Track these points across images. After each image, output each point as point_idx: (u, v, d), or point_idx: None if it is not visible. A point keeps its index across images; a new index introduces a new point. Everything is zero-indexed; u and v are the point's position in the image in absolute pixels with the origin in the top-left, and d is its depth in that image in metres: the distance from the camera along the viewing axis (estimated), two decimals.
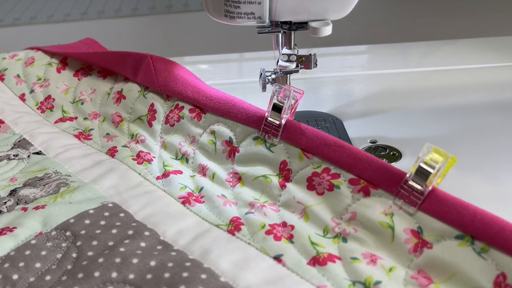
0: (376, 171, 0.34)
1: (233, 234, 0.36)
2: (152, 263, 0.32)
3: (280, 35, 0.46)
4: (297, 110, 0.56)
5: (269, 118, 0.39)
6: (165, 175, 0.43)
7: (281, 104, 0.38)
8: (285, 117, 0.39)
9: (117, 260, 0.32)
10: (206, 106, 0.44)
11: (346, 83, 0.66)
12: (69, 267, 0.33)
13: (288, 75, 0.48)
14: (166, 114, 0.47)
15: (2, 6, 1.62)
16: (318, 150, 0.37)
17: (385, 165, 0.34)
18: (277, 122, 0.39)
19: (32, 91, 0.58)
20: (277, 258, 0.33)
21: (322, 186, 0.36)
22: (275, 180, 0.39)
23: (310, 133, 0.38)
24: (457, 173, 0.47)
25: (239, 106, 0.42)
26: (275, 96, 0.39)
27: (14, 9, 1.59)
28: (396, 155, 0.49)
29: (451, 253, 0.30)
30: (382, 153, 0.49)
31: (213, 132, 0.43)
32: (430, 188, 0.32)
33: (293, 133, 0.38)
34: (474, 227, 0.30)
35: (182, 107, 0.46)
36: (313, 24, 0.42)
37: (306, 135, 0.38)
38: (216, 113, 0.43)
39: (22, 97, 0.58)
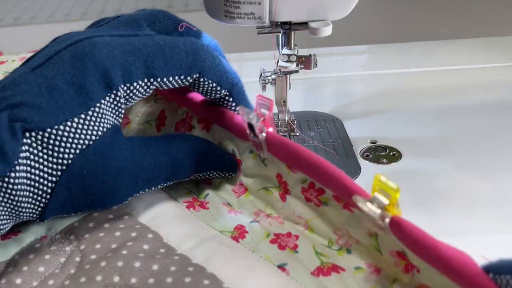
0: (345, 192, 0.31)
1: (237, 241, 0.35)
2: (155, 267, 0.32)
3: (280, 35, 0.46)
4: (297, 110, 0.56)
5: (250, 136, 0.37)
6: None
7: (253, 123, 0.35)
8: (263, 133, 0.36)
9: (119, 263, 0.32)
10: (210, 119, 0.42)
11: (346, 83, 0.66)
12: (72, 271, 0.32)
13: (288, 75, 0.48)
14: (177, 121, 0.46)
15: (2, 6, 1.62)
16: (297, 164, 0.35)
17: (349, 186, 0.31)
18: (258, 140, 0.36)
19: None
20: (281, 267, 0.33)
21: (313, 202, 0.36)
22: (275, 192, 0.38)
23: (288, 147, 0.35)
24: (457, 173, 0.47)
25: (233, 119, 0.39)
26: (244, 118, 0.36)
27: (14, 9, 1.59)
28: (396, 155, 0.49)
29: (438, 279, 0.28)
30: (382, 153, 0.49)
31: (220, 144, 0.42)
32: (389, 218, 0.29)
33: (275, 147, 0.36)
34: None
35: (191, 117, 0.44)
36: (313, 24, 0.42)
37: (286, 149, 0.35)
38: (218, 124, 0.42)
39: None
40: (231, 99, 0.39)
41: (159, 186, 0.37)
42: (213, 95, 0.38)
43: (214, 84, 0.37)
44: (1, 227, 0.31)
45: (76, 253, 0.34)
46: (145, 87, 0.34)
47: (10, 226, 0.33)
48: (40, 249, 0.34)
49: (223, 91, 0.38)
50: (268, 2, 0.41)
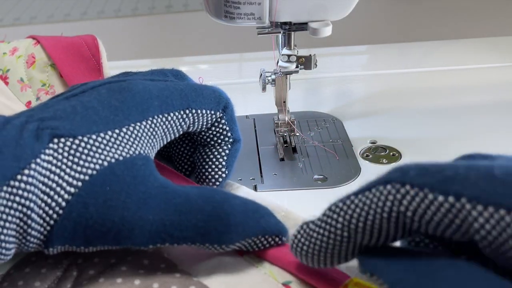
0: None
1: (241, 255, 0.34)
2: (155, 285, 0.30)
3: (280, 35, 0.46)
4: (297, 110, 0.56)
5: None
6: None
7: None
8: None
9: (119, 280, 0.31)
10: None
11: (346, 83, 0.66)
12: (69, 286, 0.31)
13: (288, 75, 0.48)
14: None
15: (2, 6, 1.62)
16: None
17: None
18: None
19: (38, 98, 0.57)
20: (286, 285, 0.31)
21: None
22: None
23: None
24: None
25: None
26: None
27: (14, 9, 1.59)
28: (396, 155, 0.49)
29: None
30: (382, 153, 0.49)
31: None
32: None
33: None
34: None
35: None
36: (313, 25, 0.42)
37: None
38: None
39: (28, 105, 0.57)
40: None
41: (189, 243, 0.30)
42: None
43: (228, 128, 0.38)
44: (5, 251, 0.28)
45: (73, 266, 0.33)
46: (181, 119, 0.34)
47: (13, 252, 0.29)
48: (36, 262, 0.33)
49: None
50: (268, 2, 0.41)
